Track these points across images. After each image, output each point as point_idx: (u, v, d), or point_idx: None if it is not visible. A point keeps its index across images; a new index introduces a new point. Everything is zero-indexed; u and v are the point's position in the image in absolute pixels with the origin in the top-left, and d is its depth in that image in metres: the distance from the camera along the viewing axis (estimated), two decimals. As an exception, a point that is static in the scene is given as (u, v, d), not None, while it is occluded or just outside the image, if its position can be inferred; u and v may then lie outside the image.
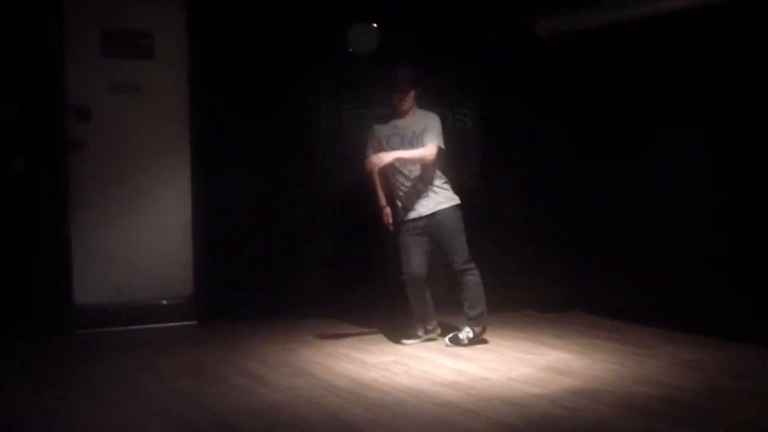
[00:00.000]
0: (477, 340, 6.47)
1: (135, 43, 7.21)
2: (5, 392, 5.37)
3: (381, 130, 6.51)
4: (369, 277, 7.51)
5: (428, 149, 6.31)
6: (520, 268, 7.91)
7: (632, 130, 7.38)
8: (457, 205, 6.48)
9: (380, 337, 6.79)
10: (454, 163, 6.92)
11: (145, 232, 7.29)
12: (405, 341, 6.55)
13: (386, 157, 6.28)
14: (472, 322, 6.46)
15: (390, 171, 6.46)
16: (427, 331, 6.62)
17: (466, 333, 6.46)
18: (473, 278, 6.45)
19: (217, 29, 7.28)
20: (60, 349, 6.49)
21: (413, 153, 6.32)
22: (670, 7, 6.59)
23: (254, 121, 7.36)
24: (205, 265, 7.34)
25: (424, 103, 6.58)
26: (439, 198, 6.45)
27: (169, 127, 7.36)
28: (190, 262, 7.36)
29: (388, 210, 6.56)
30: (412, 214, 6.45)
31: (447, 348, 6.42)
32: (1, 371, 5.87)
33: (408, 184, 6.43)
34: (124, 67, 7.21)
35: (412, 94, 6.42)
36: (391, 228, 6.58)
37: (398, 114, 6.47)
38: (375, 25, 7.36)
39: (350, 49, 7.31)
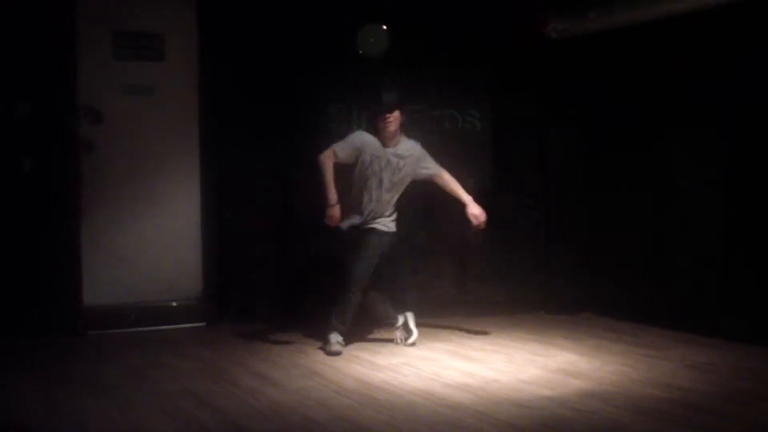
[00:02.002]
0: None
1: (146, 44, 7.23)
2: (16, 391, 5.38)
3: (369, 146, 6.33)
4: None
5: (451, 178, 6.49)
6: (530, 270, 7.91)
7: (643, 130, 7.37)
8: (392, 233, 6.44)
9: (390, 338, 6.78)
10: (464, 164, 6.92)
11: (154, 233, 7.30)
12: (404, 341, 6.51)
13: (481, 216, 6.45)
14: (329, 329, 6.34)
15: (360, 186, 6.34)
16: (393, 323, 6.54)
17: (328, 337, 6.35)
18: (344, 301, 6.36)
19: (228, 32, 7.29)
20: (70, 349, 6.51)
21: (463, 190, 6.50)
22: (681, 9, 6.57)
23: (264, 122, 7.36)
24: (215, 266, 7.35)
25: (433, 104, 6.59)
26: (387, 222, 6.41)
27: (179, 128, 7.37)
28: (199, 263, 7.36)
29: (339, 208, 6.26)
30: (359, 222, 6.38)
31: (457, 350, 6.41)
32: (12, 371, 5.88)
33: (374, 200, 6.34)
34: (135, 68, 7.22)
35: (398, 116, 6.29)
36: (333, 227, 6.33)
37: (383, 137, 6.33)
38: (384, 27, 7.36)
39: (360, 51, 7.32)
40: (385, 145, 6.34)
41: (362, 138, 6.38)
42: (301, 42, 7.38)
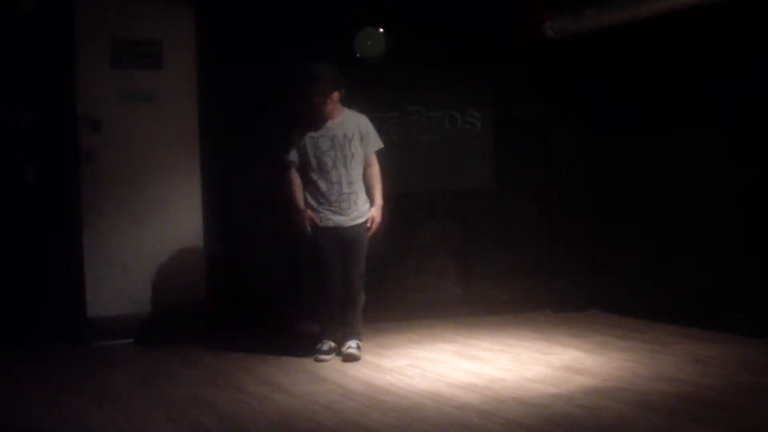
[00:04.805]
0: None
1: (144, 52, 7.23)
2: (22, 400, 5.39)
3: (307, 131, 6.06)
4: (381, 280, 7.52)
5: (377, 174, 6.16)
6: (534, 268, 7.92)
7: (645, 128, 7.37)
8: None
9: (395, 341, 6.79)
10: (465, 164, 6.92)
11: (157, 240, 7.29)
12: (321, 357, 6.14)
13: (379, 217, 6.12)
14: (356, 336, 6.25)
15: (314, 174, 6.07)
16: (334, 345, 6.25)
17: (356, 344, 6.22)
18: (361, 302, 6.25)
19: (226, 38, 7.30)
20: (75, 359, 6.51)
21: (379, 191, 6.14)
22: (680, 5, 6.57)
23: (264, 128, 7.36)
24: (218, 273, 7.35)
25: (433, 104, 6.55)
26: (359, 209, 6.14)
27: (179, 135, 7.37)
28: (203, 269, 7.37)
29: (309, 213, 6.07)
30: (329, 223, 6.09)
31: (461, 350, 6.41)
32: (17, 379, 5.90)
33: (329, 191, 6.07)
34: (133, 76, 7.22)
35: (335, 96, 5.98)
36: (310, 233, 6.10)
37: (320, 118, 6.05)
38: (381, 29, 7.37)
39: (357, 54, 7.32)
40: (325, 121, 6.05)
41: (296, 129, 6.14)
42: (301, 47, 7.38)
